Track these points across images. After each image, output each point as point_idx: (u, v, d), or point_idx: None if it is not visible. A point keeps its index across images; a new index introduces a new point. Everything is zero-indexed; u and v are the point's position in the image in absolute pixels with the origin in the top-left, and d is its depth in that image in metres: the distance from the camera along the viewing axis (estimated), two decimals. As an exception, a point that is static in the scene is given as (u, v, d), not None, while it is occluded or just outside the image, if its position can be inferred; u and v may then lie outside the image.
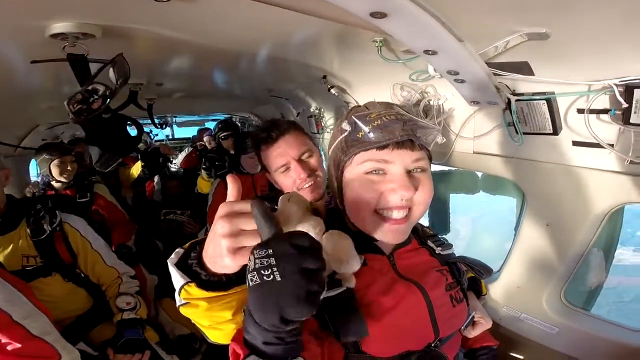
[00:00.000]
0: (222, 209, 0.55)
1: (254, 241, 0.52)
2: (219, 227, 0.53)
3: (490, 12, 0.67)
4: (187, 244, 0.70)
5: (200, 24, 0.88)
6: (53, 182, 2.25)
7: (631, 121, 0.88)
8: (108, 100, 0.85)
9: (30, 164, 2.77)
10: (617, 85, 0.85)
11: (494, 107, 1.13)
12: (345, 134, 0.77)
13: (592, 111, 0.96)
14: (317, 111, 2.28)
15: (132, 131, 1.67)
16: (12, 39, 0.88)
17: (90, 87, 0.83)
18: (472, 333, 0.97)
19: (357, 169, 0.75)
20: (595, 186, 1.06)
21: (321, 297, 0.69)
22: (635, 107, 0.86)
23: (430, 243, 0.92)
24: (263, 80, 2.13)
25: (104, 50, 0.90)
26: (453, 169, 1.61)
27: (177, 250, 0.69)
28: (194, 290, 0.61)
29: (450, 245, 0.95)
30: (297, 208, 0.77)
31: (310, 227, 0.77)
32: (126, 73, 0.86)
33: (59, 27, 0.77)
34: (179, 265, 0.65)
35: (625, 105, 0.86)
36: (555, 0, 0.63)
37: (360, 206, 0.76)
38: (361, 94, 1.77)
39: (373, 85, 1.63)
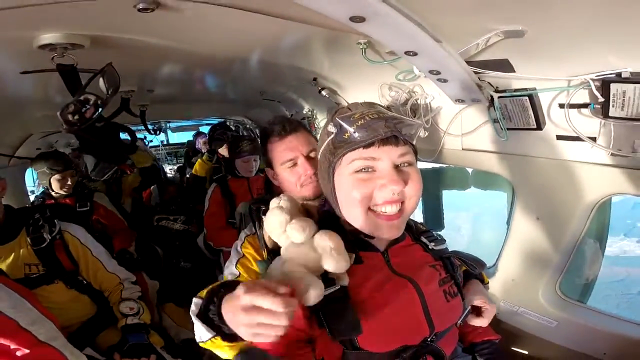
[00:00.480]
0: (245, 296, 0.58)
1: (270, 331, 0.58)
2: (241, 317, 0.59)
3: (466, 12, 0.69)
4: (204, 293, 0.73)
5: (188, 32, 0.90)
6: (52, 193, 2.27)
7: (610, 114, 0.91)
8: (100, 109, 0.87)
9: (26, 173, 2.78)
10: (593, 80, 0.87)
11: (480, 104, 1.16)
12: (332, 136, 0.79)
13: (573, 106, 0.98)
14: (310, 113, 2.30)
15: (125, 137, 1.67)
16: (1, 50, 0.90)
17: (82, 97, 0.85)
18: (484, 322, 0.96)
19: (346, 169, 0.78)
20: (582, 179, 1.09)
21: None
22: (612, 100, 0.88)
23: (423, 239, 0.95)
24: (255, 84, 2.15)
25: (94, 60, 0.92)
26: (444, 165, 1.64)
27: (194, 300, 0.74)
28: (220, 342, 0.68)
29: (443, 241, 0.97)
30: (282, 218, 0.84)
31: (300, 229, 0.80)
32: (116, 82, 0.88)
33: (47, 38, 0.79)
34: (201, 318, 0.71)
35: (603, 99, 0.89)
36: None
37: (354, 205, 0.78)
38: (352, 95, 1.79)
39: (363, 86, 1.65)
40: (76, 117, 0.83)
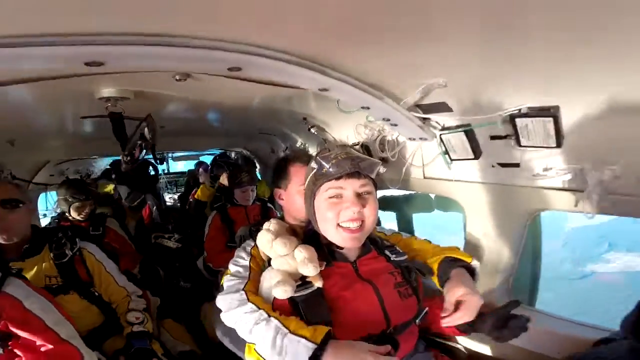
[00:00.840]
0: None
1: None
2: None
3: (397, 72, 1.04)
4: (319, 340, 0.93)
5: (205, 91, 1.24)
6: (70, 217, 2.55)
7: (522, 144, 1.18)
8: (145, 150, 1.19)
9: (39, 198, 3.07)
10: (501, 116, 1.16)
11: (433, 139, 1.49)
12: (314, 170, 1.11)
13: (497, 137, 1.27)
14: (303, 146, 2.65)
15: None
16: (67, 99, 1.23)
17: (133, 143, 1.17)
18: (462, 316, 1.03)
19: (323, 195, 1.09)
20: (515, 198, 1.37)
21: (300, 295, 0.98)
22: (520, 132, 1.16)
23: (387, 252, 1.22)
24: (253, 121, 2.51)
25: (133, 109, 1.26)
26: (412, 192, 1.95)
27: (309, 344, 0.92)
28: None
29: (403, 254, 1.24)
30: (268, 237, 1.14)
31: (282, 244, 1.10)
32: (155, 128, 1.20)
33: (105, 92, 1.13)
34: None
35: (513, 132, 1.16)
36: (442, 58, 0.97)
37: (328, 222, 1.09)
38: (337, 131, 2.14)
39: (345, 124, 2.00)
40: (128, 158, 1.15)
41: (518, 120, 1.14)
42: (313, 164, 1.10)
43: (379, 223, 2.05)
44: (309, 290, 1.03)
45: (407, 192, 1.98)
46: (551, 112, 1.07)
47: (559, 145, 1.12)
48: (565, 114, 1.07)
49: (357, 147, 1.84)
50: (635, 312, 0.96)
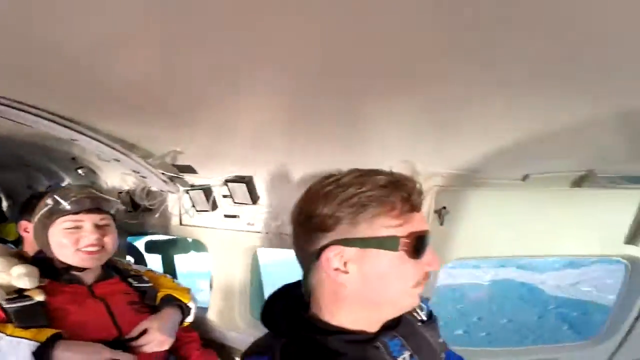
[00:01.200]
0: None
1: None
2: None
3: (146, 135, 1.47)
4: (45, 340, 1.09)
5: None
6: None
7: (235, 201, 1.82)
8: None
9: None
10: (221, 181, 1.78)
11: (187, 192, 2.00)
12: (49, 206, 1.33)
13: (225, 196, 1.88)
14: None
15: None
16: None
17: None
18: (140, 343, 1.29)
19: (59, 227, 1.32)
20: (240, 239, 1.97)
21: (14, 307, 1.13)
22: (233, 193, 1.78)
23: (129, 279, 1.53)
24: (12, 150, 2.31)
25: None
26: (175, 237, 2.38)
27: (29, 343, 1.07)
28: None
29: (148, 282, 1.57)
30: None
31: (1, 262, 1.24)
32: None
33: None
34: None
35: (229, 192, 1.84)
36: (180, 134, 1.48)
37: (65, 248, 1.32)
38: (107, 177, 2.32)
39: (116, 171, 2.23)
40: None
41: (230, 184, 1.73)
42: (49, 201, 1.32)
43: (146, 264, 2.32)
44: (26, 303, 1.20)
45: (170, 237, 2.37)
46: (246, 180, 1.71)
47: (254, 202, 1.83)
48: (258, 181, 1.75)
49: (123, 194, 2.12)
50: None
